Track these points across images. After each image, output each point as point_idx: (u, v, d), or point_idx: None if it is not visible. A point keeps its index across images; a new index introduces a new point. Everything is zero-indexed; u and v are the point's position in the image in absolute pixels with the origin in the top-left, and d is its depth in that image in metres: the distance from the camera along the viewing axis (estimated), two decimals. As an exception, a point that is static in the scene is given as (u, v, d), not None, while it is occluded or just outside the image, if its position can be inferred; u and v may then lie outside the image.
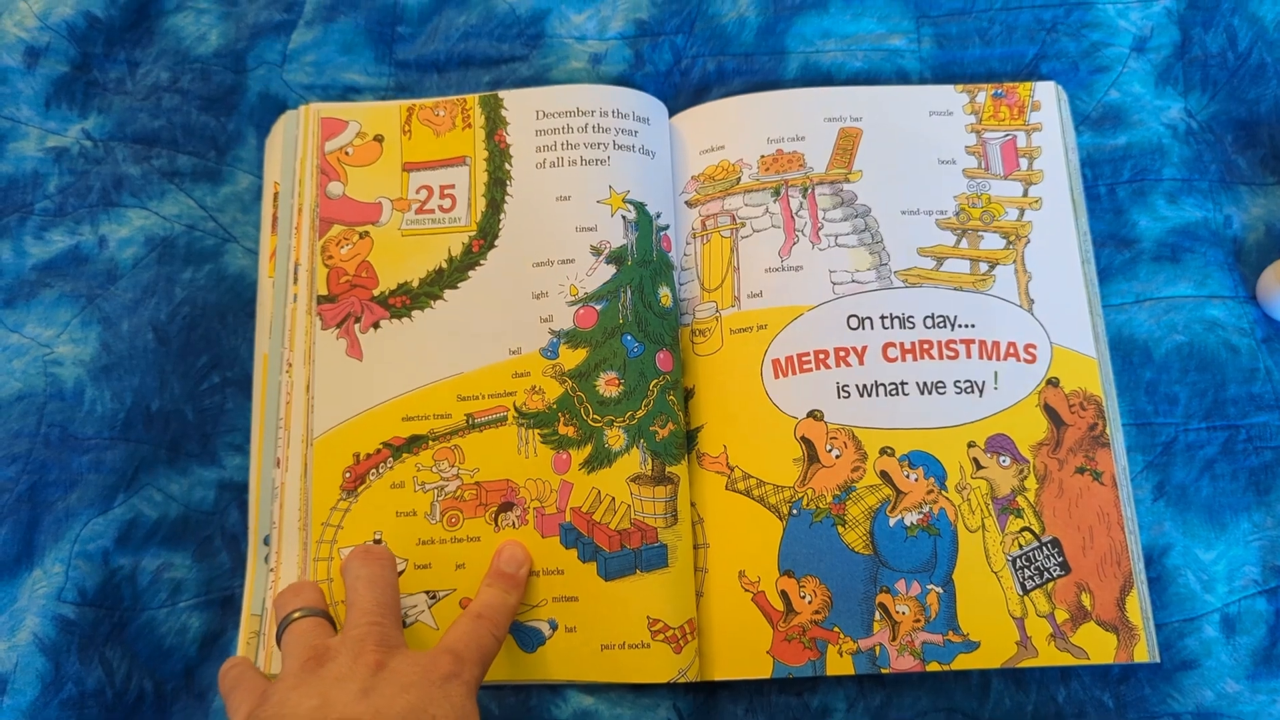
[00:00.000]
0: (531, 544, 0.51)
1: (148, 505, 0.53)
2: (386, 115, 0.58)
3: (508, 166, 0.56)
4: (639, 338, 0.53)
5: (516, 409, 0.53)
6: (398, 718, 0.39)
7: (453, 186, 0.57)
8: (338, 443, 0.52)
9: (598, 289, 0.54)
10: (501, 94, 0.58)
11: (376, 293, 0.55)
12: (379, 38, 0.62)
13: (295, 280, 0.55)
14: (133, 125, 0.61)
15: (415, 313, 0.54)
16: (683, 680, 0.49)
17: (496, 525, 0.51)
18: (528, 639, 0.50)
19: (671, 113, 0.59)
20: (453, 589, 0.50)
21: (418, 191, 0.57)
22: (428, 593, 0.50)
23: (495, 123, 0.57)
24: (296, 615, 0.46)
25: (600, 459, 0.51)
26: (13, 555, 0.52)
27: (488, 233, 0.55)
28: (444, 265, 0.55)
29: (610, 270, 0.54)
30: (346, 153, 0.58)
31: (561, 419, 0.52)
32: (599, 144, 0.56)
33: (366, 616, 0.44)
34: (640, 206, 0.55)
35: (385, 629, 0.44)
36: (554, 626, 0.50)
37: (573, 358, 0.53)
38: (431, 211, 0.56)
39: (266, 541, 0.51)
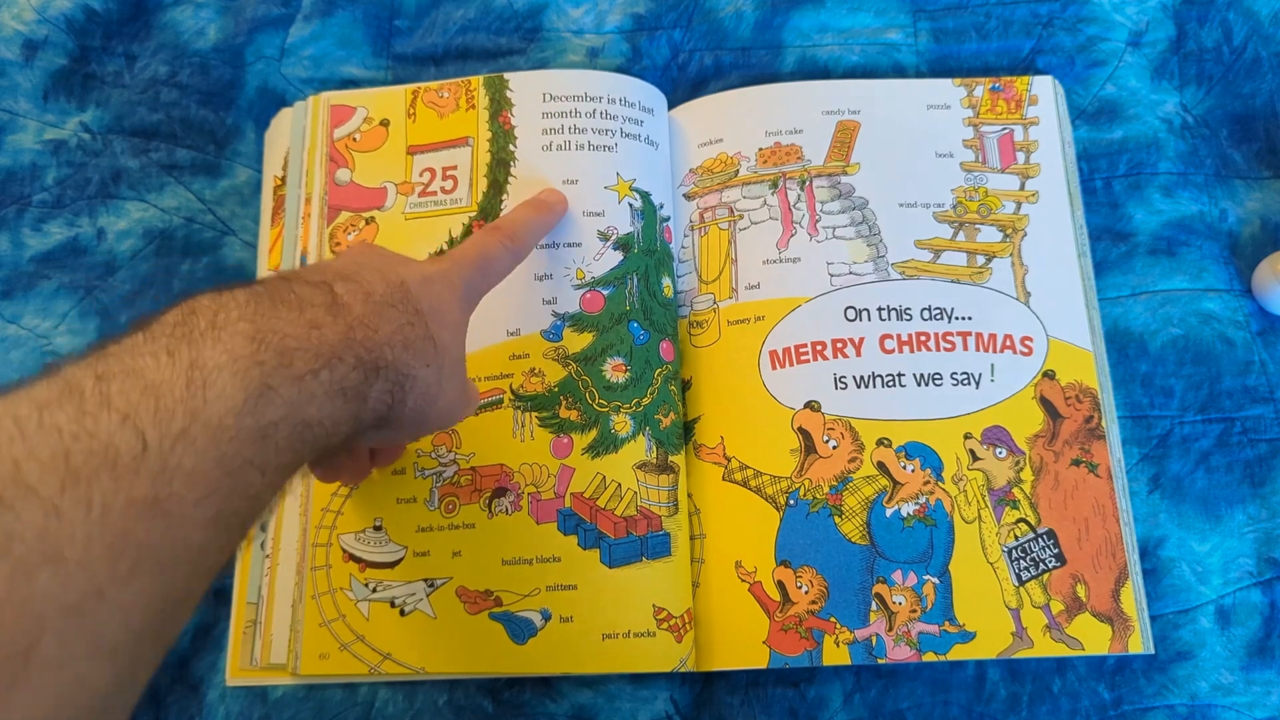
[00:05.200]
0: (526, 531, 0.50)
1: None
2: (392, 100, 0.58)
3: (512, 148, 0.56)
4: (645, 325, 0.53)
5: (513, 391, 0.52)
6: (351, 268, 0.38)
7: (455, 168, 0.56)
8: None
9: (605, 274, 0.53)
10: (507, 75, 0.58)
11: None
12: (377, 31, 0.63)
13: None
14: (131, 118, 0.61)
15: None
16: (682, 670, 0.49)
17: (490, 511, 0.51)
18: (518, 630, 0.49)
19: (669, 107, 0.60)
20: (449, 577, 0.50)
21: (421, 174, 0.57)
22: (426, 580, 0.50)
23: (500, 104, 0.57)
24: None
25: (606, 444, 0.51)
26: (10, 546, 0.52)
27: (489, 213, 0.55)
28: (444, 247, 0.55)
29: (618, 256, 0.54)
30: (354, 139, 0.58)
31: (563, 402, 0.52)
32: (607, 130, 0.56)
33: None
34: (645, 195, 0.55)
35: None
36: (546, 617, 0.49)
37: (578, 341, 0.53)
38: (434, 194, 0.56)
39: (263, 528, 0.51)
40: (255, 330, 0.32)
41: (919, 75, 0.60)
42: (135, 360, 0.29)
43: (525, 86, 0.57)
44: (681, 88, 0.61)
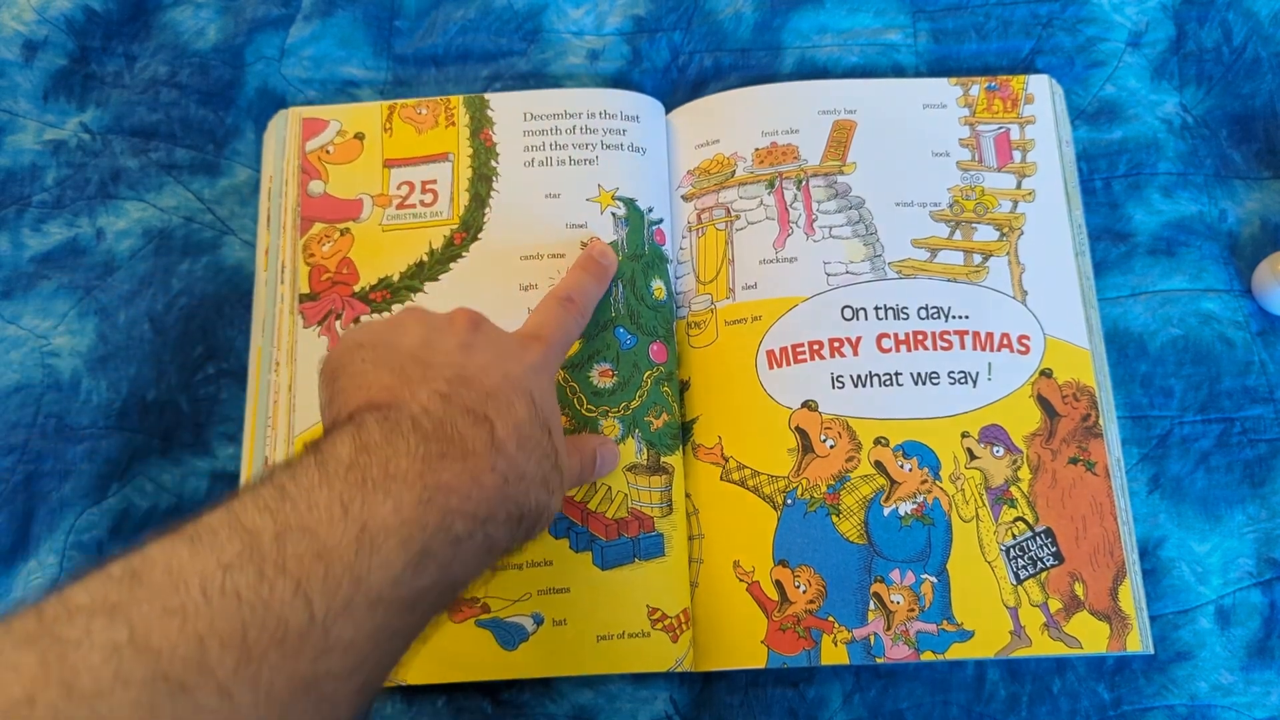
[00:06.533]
0: None
1: (139, 495, 0.53)
2: (367, 114, 0.59)
3: (494, 163, 0.57)
4: (631, 330, 0.53)
5: None
6: (494, 383, 0.37)
7: (435, 182, 0.57)
8: None
9: None
10: (488, 95, 0.58)
11: (357, 289, 0.55)
12: (377, 32, 0.63)
13: (282, 280, 0.55)
14: (131, 119, 0.61)
15: (395, 307, 0.54)
16: (679, 670, 0.49)
17: None
18: (509, 636, 0.49)
19: (669, 109, 0.60)
20: None
21: (399, 187, 0.57)
22: None
23: (481, 122, 0.58)
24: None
25: None
26: (8, 546, 0.52)
27: (470, 226, 0.56)
28: (425, 258, 0.55)
29: None
30: (327, 151, 0.58)
31: None
32: (587, 144, 0.56)
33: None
34: (630, 202, 0.56)
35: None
36: (539, 621, 0.49)
37: None
38: (413, 206, 0.56)
39: None
40: (424, 488, 0.32)
41: (918, 76, 0.60)
42: (310, 515, 0.29)
43: (506, 106, 0.58)
44: (681, 89, 0.61)
